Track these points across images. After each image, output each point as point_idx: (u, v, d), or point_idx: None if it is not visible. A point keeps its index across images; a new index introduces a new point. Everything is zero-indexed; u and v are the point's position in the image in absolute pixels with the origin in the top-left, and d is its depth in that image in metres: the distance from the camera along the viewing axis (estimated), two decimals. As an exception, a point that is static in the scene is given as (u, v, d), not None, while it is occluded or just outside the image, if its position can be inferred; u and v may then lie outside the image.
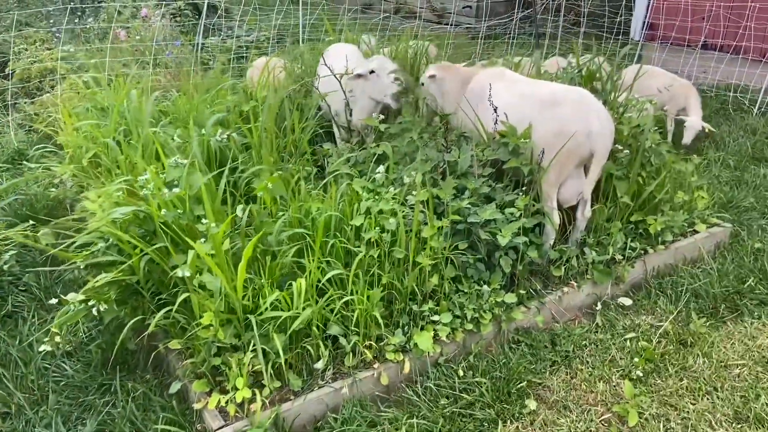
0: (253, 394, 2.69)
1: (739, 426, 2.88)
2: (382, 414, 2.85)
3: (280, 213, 3.10)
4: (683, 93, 5.71)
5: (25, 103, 6.21)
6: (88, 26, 7.61)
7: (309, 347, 2.85)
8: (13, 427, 2.80)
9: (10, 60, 6.90)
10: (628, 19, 9.13)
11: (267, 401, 2.73)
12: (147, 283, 2.87)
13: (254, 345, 2.69)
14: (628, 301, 3.71)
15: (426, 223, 3.13)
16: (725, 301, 3.70)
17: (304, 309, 2.78)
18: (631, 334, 3.43)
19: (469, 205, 3.31)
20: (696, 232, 4.17)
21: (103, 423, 2.83)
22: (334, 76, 4.26)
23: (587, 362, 3.26)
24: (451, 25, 10.33)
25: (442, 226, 3.13)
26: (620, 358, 3.27)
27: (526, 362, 3.21)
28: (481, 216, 3.25)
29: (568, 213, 3.80)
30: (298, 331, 2.82)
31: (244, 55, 7.48)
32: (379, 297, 2.98)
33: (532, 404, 2.97)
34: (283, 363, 2.76)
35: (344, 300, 2.90)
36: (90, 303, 2.71)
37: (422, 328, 3.08)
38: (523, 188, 3.58)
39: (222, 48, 7.26)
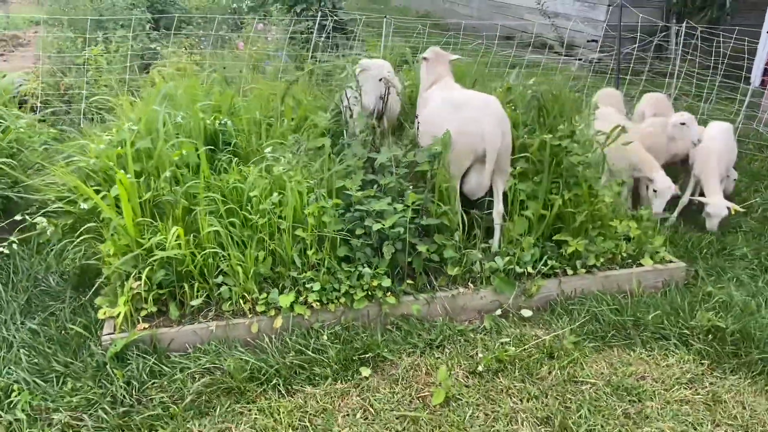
0: (133, 312, 3.41)
1: (540, 428, 3.02)
2: (238, 353, 3.40)
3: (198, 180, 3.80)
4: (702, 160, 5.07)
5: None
6: (221, 35, 8.98)
7: (187, 287, 3.50)
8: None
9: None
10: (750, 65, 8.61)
11: (153, 324, 3.43)
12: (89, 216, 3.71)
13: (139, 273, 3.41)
14: (528, 313, 3.87)
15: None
16: (621, 329, 3.72)
17: (191, 255, 3.46)
18: (505, 339, 3.62)
19: (372, 197, 3.76)
20: (641, 265, 4.16)
21: (47, 319, 3.69)
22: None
23: (445, 352, 3.54)
24: (578, 59, 10.44)
25: (328, 207, 3.63)
26: (477, 355, 3.50)
27: (389, 342, 3.57)
28: (374, 207, 3.69)
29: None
30: (185, 272, 3.50)
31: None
32: (262, 258, 3.55)
33: (366, 372, 3.35)
34: (168, 295, 3.46)
35: (223, 254, 3.52)
36: (46, 225, 3.61)
37: (298, 293, 3.59)
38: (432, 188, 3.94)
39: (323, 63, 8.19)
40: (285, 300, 3.49)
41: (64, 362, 3.31)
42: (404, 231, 3.66)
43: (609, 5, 9.82)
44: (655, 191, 4.69)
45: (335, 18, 9.72)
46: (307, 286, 3.60)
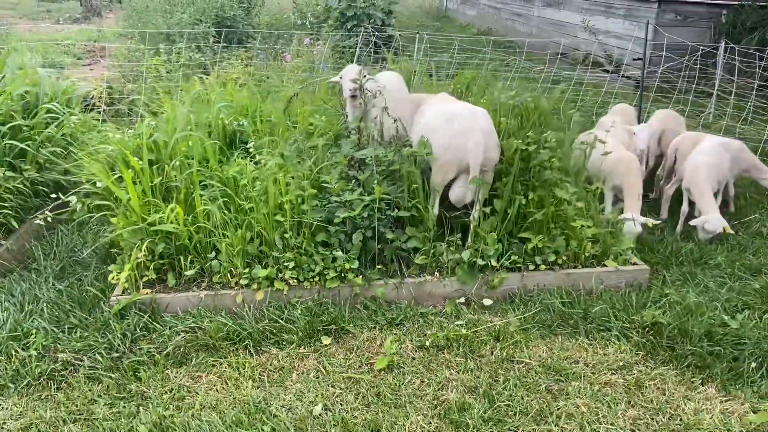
0: (137, 279, 4.03)
1: (460, 396, 3.41)
2: (220, 317, 3.94)
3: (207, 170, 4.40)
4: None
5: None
6: (271, 48, 9.72)
7: (182, 260, 4.09)
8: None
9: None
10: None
11: (155, 290, 4.04)
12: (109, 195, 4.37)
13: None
14: (488, 302, 4.24)
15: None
16: (569, 320, 4.03)
17: (187, 232, 4.06)
18: (459, 322, 4.01)
19: (348, 190, 4.26)
20: (605, 266, 4.45)
21: (73, 284, 4.37)
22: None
23: (402, 329, 3.97)
24: (622, 76, 10.60)
25: (306, 196, 4.14)
26: (428, 333, 3.90)
27: (355, 318, 4.03)
28: (347, 197, 4.18)
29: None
30: (183, 247, 4.10)
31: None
32: (248, 239, 4.11)
33: (327, 340, 3.82)
34: (169, 265, 4.07)
35: (213, 233, 4.09)
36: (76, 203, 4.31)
37: (278, 270, 4.11)
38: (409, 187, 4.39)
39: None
40: (263, 273, 4.01)
41: (79, 317, 3.95)
42: (370, 220, 4.12)
43: (648, 23, 9.92)
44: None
45: (385, 33, 10.29)
46: (285, 264, 4.11)
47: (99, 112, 6.98)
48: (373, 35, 9.29)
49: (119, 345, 3.70)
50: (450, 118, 4.38)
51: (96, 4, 19.84)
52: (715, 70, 9.37)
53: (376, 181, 4.29)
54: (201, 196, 4.17)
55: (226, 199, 4.25)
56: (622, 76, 10.74)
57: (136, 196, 4.05)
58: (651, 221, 4.83)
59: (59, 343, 3.71)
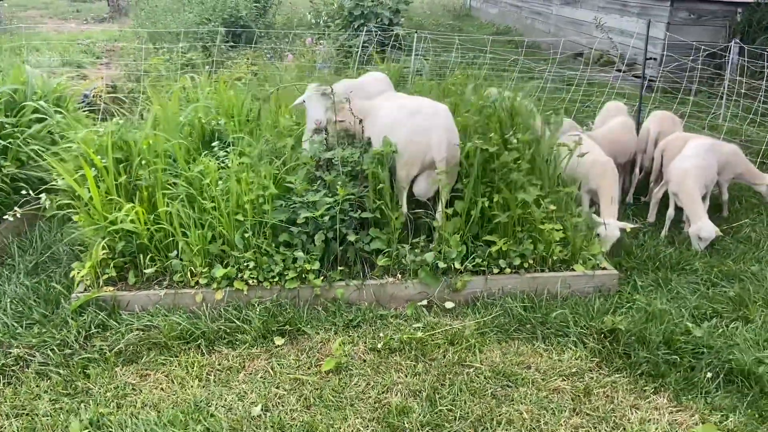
0: (97, 275, 4.08)
1: (403, 400, 3.36)
2: (176, 317, 3.96)
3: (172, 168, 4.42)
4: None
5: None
6: (279, 48, 9.77)
7: (141, 258, 4.13)
8: None
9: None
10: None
11: (117, 288, 4.08)
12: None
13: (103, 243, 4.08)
14: (450, 305, 4.18)
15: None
16: (528, 324, 3.95)
17: (146, 231, 4.09)
18: (417, 325, 3.97)
19: (313, 191, 4.25)
20: (573, 270, 4.35)
21: (43, 280, 4.43)
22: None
23: (359, 330, 3.94)
24: (633, 75, 10.40)
25: (266, 196, 4.13)
26: (384, 336, 3.86)
27: (313, 319, 4.02)
28: (309, 198, 4.17)
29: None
30: (144, 245, 4.13)
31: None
32: (209, 238, 4.12)
33: (280, 341, 3.82)
34: (131, 263, 4.11)
35: (172, 232, 4.12)
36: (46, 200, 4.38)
37: (239, 270, 4.12)
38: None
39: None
40: (220, 272, 4.02)
41: (41, 313, 4.01)
42: (333, 221, 4.10)
43: (650, 21, 9.69)
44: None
45: (392, 32, 10.25)
46: (246, 264, 4.11)
47: (99, 111, 7.12)
48: (376, 34, 9.26)
49: (73, 342, 3.74)
50: (412, 112, 4.36)
51: (123, 4, 20.19)
52: (723, 70, 9.13)
53: (340, 183, 4.27)
54: (164, 194, 4.19)
55: (186, 197, 4.26)
56: (633, 76, 10.53)
57: (98, 194, 4.09)
58: (628, 226, 4.71)
59: (15, 339, 3.77)
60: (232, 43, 10.48)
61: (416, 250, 4.30)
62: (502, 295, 4.24)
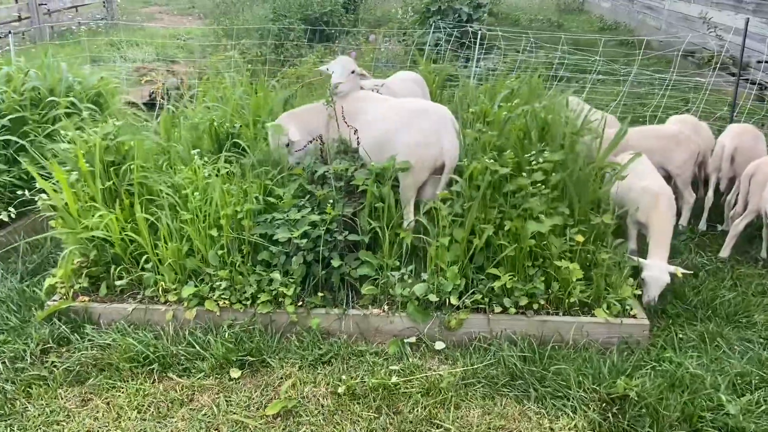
0: (72, 282, 3.89)
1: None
2: (137, 335, 3.68)
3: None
4: None
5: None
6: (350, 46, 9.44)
7: (113, 269, 3.89)
8: None
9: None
10: None
11: (90, 299, 3.88)
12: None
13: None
14: (440, 345, 3.65)
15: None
16: (521, 379, 3.34)
17: (120, 240, 3.86)
18: (395, 367, 3.46)
19: (302, 207, 3.85)
20: (594, 315, 3.68)
21: (31, 284, 4.32)
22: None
23: (326, 367, 3.50)
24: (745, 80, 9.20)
25: (245, 211, 3.77)
26: (352, 377, 3.39)
27: (282, 349, 3.63)
28: (291, 216, 3.77)
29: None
30: (117, 256, 3.90)
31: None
32: (185, 252, 3.82)
33: (236, 374, 3.45)
34: (108, 272, 3.90)
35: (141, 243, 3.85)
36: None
37: (212, 289, 3.79)
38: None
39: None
40: (188, 291, 3.72)
41: (15, 321, 3.87)
42: (317, 242, 3.67)
43: (748, 19, 8.42)
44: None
45: (469, 29, 9.66)
46: (217, 284, 3.78)
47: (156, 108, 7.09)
48: (445, 31, 8.69)
49: (24, 355, 3.56)
50: (420, 113, 3.99)
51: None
52: None
53: (331, 200, 3.84)
54: (150, 202, 3.95)
55: (169, 207, 3.98)
56: (746, 81, 9.28)
57: (72, 199, 3.90)
58: (680, 271, 3.92)
59: (-22, 347, 3.65)
60: (307, 41, 10.27)
61: (408, 279, 3.78)
62: (504, 339, 3.64)
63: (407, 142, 3.93)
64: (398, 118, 4.00)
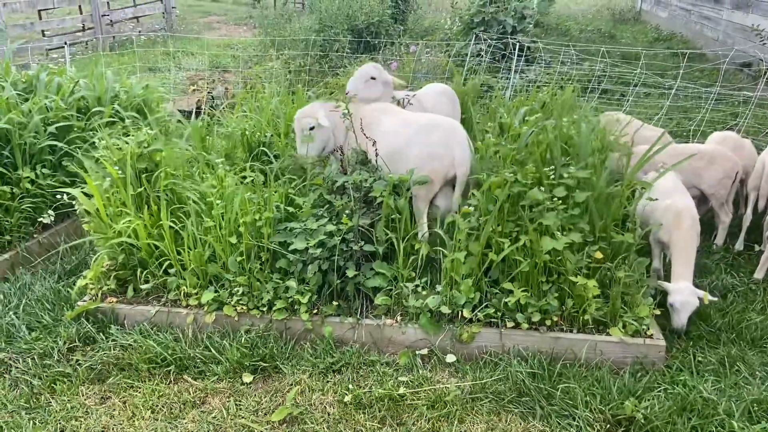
0: (101, 284, 4.06)
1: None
2: (161, 335, 3.82)
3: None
4: None
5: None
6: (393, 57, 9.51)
7: (139, 273, 4.05)
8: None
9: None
10: None
11: (118, 300, 4.05)
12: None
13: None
14: (451, 358, 3.66)
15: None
16: (528, 396, 3.32)
17: (147, 245, 4.01)
18: (404, 378, 3.49)
19: (320, 217, 3.93)
20: (609, 334, 3.62)
21: (67, 284, 4.53)
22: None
23: (336, 375, 3.55)
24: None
25: (264, 219, 3.87)
26: (359, 387, 3.44)
27: (295, 356, 3.70)
28: (309, 225, 3.85)
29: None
30: (144, 260, 4.06)
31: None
32: (207, 258, 3.95)
33: (248, 378, 3.54)
34: (135, 275, 4.07)
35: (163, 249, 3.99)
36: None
37: (231, 295, 3.90)
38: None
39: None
40: (207, 296, 3.83)
41: (48, 319, 4.07)
42: (333, 251, 3.74)
43: None
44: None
45: (515, 40, 9.60)
46: (235, 290, 3.88)
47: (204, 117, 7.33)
48: (484, 42, 8.67)
49: (52, 353, 3.73)
50: (430, 127, 4.10)
51: (288, 9, 21.12)
52: None
53: (348, 211, 3.90)
54: (178, 209, 4.10)
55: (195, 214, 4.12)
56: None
57: (102, 204, 4.08)
58: (708, 296, 3.80)
59: (10, 343, 3.84)
60: (350, 51, 10.40)
61: (423, 291, 3.81)
62: (515, 354, 3.62)
63: (419, 155, 4.04)
64: (409, 131, 4.09)
